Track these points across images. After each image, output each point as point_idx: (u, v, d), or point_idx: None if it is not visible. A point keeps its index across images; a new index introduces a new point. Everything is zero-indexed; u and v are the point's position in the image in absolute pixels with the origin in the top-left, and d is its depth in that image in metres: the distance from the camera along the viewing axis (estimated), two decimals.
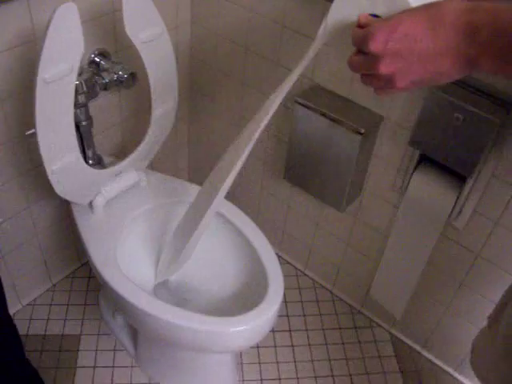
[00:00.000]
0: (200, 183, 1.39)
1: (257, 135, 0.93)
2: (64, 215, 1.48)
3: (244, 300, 1.23)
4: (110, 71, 1.22)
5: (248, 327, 1.08)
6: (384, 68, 0.59)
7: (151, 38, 1.11)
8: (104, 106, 1.37)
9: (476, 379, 1.45)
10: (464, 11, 0.55)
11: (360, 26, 0.63)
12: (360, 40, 0.61)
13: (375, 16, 0.63)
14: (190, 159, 1.83)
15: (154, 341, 1.36)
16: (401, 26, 0.57)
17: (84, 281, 1.61)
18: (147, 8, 1.09)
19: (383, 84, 0.62)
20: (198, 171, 1.84)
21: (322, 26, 0.71)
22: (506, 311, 0.83)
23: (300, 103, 1.29)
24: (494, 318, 0.87)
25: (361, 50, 0.61)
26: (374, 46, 0.58)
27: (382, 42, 0.58)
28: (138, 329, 1.32)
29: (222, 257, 1.30)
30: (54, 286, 1.59)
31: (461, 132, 1.07)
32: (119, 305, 1.17)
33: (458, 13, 0.55)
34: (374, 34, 0.58)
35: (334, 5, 0.67)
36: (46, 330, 1.49)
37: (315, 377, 1.47)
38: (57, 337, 1.48)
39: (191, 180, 1.85)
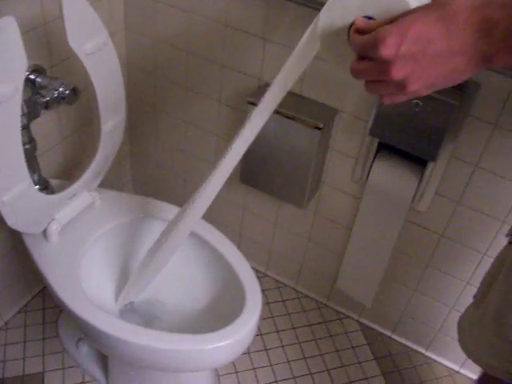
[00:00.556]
0: (146, 196, 1.33)
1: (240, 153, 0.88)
2: (10, 246, 1.37)
3: (219, 314, 1.19)
4: (49, 88, 1.13)
5: (231, 341, 1.04)
6: (396, 73, 0.56)
7: (96, 49, 1.04)
8: (42, 125, 1.28)
9: (447, 355, 1.51)
10: (477, 7, 0.53)
11: (359, 31, 0.59)
12: (367, 46, 0.57)
13: (369, 18, 0.60)
14: (134, 172, 1.75)
15: (127, 366, 1.29)
16: (412, 27, 0.54)
17: (39, 313, 1.50)
18: (89, 17, 1.01)
19: (393, 89, 0.58)
20: (143, 184, 1.77)
21: (308, 35, 0.66)
22: (494, 287, 0.84)
23: (252, 103, 1.26)
24: (481, 297, 0.89)
25: (367, 55, 0.58)
26: (386, 51, 0.55)
27: (394, 46, 0.54)
28: (108, 355, 1.25)
29: (191, 270, 1.25)
30: (6, 323, 1.47)
31: (421, 117, 1.09)
32: (85, 332, 1.11)
33: (472, 9, 0.53)
34: (385, 38, 0.55)
35: (323, 11, 0.62)
36: (3, 374, 1.37)
37: (294, 377, 1.46)
38: (17, 378, 1.37)
39: (136, 193, 1.78)
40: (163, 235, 1.09)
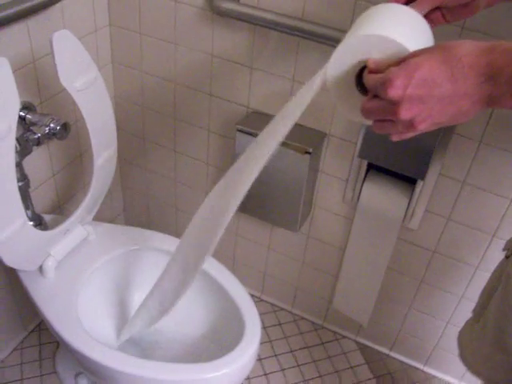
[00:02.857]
0: (138, 226, 1.33)
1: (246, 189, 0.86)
2: (4, 283, 1.36)
3: (219, 341, 1.19)
4: (40, 124, 1.14)
5: (230, 370, 1.03)
6: (404, 113, 0.58)
7: (86, 85, 1.05)
8: (33, 161, 1.28)
9: (446, 370, 1.51)
10: (482, 52, 0.56)
11: (371, 71, 0.62)
12: (377, 86, 0.60)
13: None
14: (125, 203, 1.76)
15: None
16: (418, 70, 0.57)
17: (35, 350, 1.49)
18: (79, 54, 1.03)
19: (401, 129, 0.61)
20: (135, 214, 1.77)
21: (320, 76, 0.68)
22: (493, 302, 0.86)
23: (241, 130, 1.28)
24: (480, 311, 0.90)
25: (377, 95, 0.60)
26: (393, 93, 0.57)
27: (400, 87, 0.57)
28: None
29: (189, 298, 1.24)
30: (3, 361, 1.45)
31: (408, 138, 1.11)
32: (85, 365, 1.10)
33: (476, 54, 0.56)
34: (392, 80, 0.57)
35: (334, 54, 0.65)
36: None
37: None
38: None
39: (129, 224, 1.78)
40: (172, 273, 1.06)
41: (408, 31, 0.64)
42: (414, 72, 0.57)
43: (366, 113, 0.63)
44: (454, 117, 0.59)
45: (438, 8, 0.73)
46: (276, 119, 0.77)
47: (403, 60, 0.59)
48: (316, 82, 0.68)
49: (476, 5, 0.74)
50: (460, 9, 0.74)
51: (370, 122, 0.66)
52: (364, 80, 0.63)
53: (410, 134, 0.62)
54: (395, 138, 0.64)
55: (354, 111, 0.67)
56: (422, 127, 0.60)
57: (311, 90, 0.70)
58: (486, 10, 0.78)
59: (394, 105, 0.58)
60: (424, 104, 0.58)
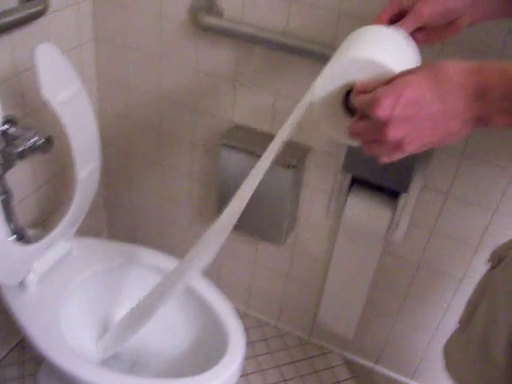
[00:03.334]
0: (121, 241, 1.33)
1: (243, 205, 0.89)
2: None
3: (203, 356, 1.18)
4: (23, 138, 1.14)
5: None
6: (392, 133, 0.57)
7: (69, 99, 1.05)
8: (15, 174, 1.27)
9: (432, 383, 1.51)
10: (471, 72, 0.55)
11: (359, 92, 0.61)
12: (364, 106, 0.59)
13: None
14: (109, 217, 1.74)
15: None
16: (406, 90, 0.56)
17: (17, 367, 1.46)
18: (62, 67, 1.03)
19: (390, 150, 0.60)
20: (118, 229, 1.76)
21: (307, 96, 0.69)
22: (479, 313, 0.86)
23: (225, 145, 1.28)
24: (466, 321, 0.90)
25: (365, 116, 0.60)
26: (381, 112, 0.56)
27: (388, 107, 0.56)
28: None
29: (172, 313, 1.24)
30: None
31: None
32: (67, 381, 1.08)
33: (465, 74, 0.55)
34: (380, 99, 0.57)
35: (320, 78, 0.65)
36: None
37: None
38: None
39: (112, 239, 1.77)
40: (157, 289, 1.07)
41: (395, 53, 0.65)
42: (402, 91, 0.57)
43: (353, 134, 0.63)
44: (443, 137, 0.59)
45: (421, 28, 0.74)
46: (271, 145, 0.79)
47: (391, 80, 0.59)
48: (302, 105, 0.69)
49: (459, 24, 0.75)
50: (443, 28, 0.75)
51: (355, 144, 0.65)
52: (352, 100, 0.63)
53: (399, 156, 0.61)
54: (384, 160, 0.63)
55: (340, 133, 0.67)
56: (411, 148, 0.59)
57: (299, 113, 0.70)
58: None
59: (382, 125, 0.58)
60: (412, 124, 0.57)
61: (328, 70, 0.65)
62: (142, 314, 1.09)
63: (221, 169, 1.32)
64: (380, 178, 1.18)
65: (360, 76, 0.62)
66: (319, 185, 1.32)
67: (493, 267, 0.87)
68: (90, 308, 1.22)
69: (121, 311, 1.25)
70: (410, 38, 0.70)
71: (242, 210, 0.91)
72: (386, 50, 0.64)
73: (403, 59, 0.64)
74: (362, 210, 1.26)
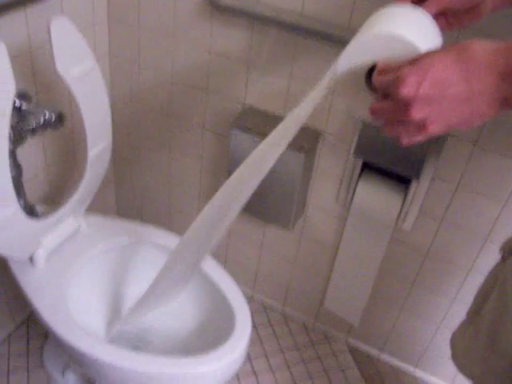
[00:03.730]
0: (130, 219, 1.33)
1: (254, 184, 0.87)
2: None
3: (209, 337, 1.18)
4: (36, 114, 1.14)
5: (221, 364, 1.03)
6: (416, 113, 0.56)
7: (83, 74, 1.05)
8: (26, 151, 1.28)
9: (436, 372, 1.51)
10: (498, 52, 0.55)
11: (381, 71, 0.60)
12: (388, 85, 0.58)
13: None
14: (118, 196, 1.75)
15: None
16: (432, 69, 0.56)
17: (23, 342, 1.47)
18: (76, 42, 1.02)
19: (412, 131, 0.59)
20: (127, 207, 1.76)
21: (329, 74, 0.67)
22: (488, 304, 0.85)
23: (236, 127, 1.28)
24: (475, 313, 0.90)
25: (388, 95, 0.59)
26: (406, 91, 0.56)
27: (413, 86, 0.56)
28: (96, 381, 1.23)
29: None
30: None
31: None
32: (74, 357, 1.09)
33: (493, 53, 0.55)
34: (405, 78, 0.56)
35: (344, 52, 0.64)
36: None
37: None
38: None
39: (121, 217, 1.77)
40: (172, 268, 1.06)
41: (421, 33, 0.63)
42: (427, 71, 0.56)
43: (375, 114, 0.62)
44: (468, 118, 0.58)
45: (441, 13, 0.73)
46: (286, 120, 0.76)
47: (416, 60, 0.58)
48: (325, 82, 0.68)
49: (480, 10, 0.73)
50: (465, 13, 0.74)
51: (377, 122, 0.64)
52: (373, 80, 0.62)
53: (421, 138, 0.60)
54: (404, 142, 0.62)
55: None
56: (434, 129, 0.58)
57: (321, 90, 0.69)
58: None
59: (406, 104, 0.57)
60: (437, 104, 0.56)
61: (352, 45, 0.64)
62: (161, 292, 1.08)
63: (231, 152, 1.31)
64: (391, 164, 1.17)
65: (384, 53, 0.61)
66: (330, 170, 1.32)
67: (503, 259, 0.86)
68: (97, 285, 1.23)
69: (128, 289, 1.27)
70: (434, 21, 0.69)
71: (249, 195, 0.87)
72: (414, 28, 0.63)
73: (429, 39, 0.63)
74: (372, 196, 1.25)
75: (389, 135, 0.62)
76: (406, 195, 1.23)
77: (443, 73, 0.56)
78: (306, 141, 1.23)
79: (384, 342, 1.54)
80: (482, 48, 0.56)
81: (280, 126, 0.78)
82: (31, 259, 1.14)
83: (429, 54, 0.58)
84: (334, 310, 1.50)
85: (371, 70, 0.64)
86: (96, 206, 1.64)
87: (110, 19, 1.36)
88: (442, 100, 0.56)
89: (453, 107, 0.57)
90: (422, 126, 0.58)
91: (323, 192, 1.36)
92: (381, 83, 0.60)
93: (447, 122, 0.58)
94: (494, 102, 0.56)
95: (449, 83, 0.56)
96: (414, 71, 0.56)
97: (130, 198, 1.73)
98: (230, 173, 1.34)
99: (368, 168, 1.26)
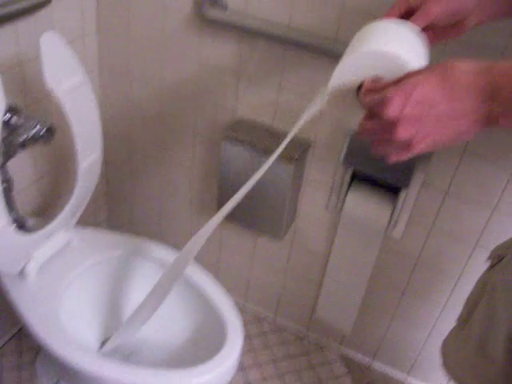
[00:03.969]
0: (121, 232, 1.33)
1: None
2: None
3: (201, 348, 1.18)
4: (25, 127, 1.14)
5: (212, 376, 1.03)
6: (402, 133, 0.58)
7: (73, 88, 1.05)
8: (17, 164, 1.27)
9: (428, 379, 1.52)
10: (481, 72, 0.56)
11: (368, 90, 0.62)
12: (374, 106, 0.59)
13: None
14: (109, 209, 1.75)
15: None
16: (416, 90, 0.57)
17: (15, 356, 1.47)
18: (66, 56, 1.03)
19: (399, 149, 0.60)
20: (119, 221, 1.76)
21: (322, 92, 0.69)
22: (478, 310, 0.86)
23: (227, 137, 1.28)
24: (465, 319, 0.91)
25: (375, 115, 0.60)
26: (391, 112, 0.57)
27: (398, 107, 0.57)
28: None
29: (171, 304, 1.24)
30: None
31: None
32: (65, 371, 1.08)
33: (475, 74, 0.56)
34: (391, 99, 0.57)
35: (337, 69, 0.65)
36: None
37: None
38: None
39: (113, 229, 1.77)
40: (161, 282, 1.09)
41: (412, 49, 0.65)
42: (411, 91, 0.57)
43: (362, 133, 0.63)
44: (453, 137, 0.59)
45: (427, 28, 0.74)
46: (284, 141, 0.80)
47: (400, 80, 0.59)
48: (318, 101, 0.69)
49: (465, 24, 0.75)
50: (450, 28, 0.76)
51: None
52: (360, 100, 0.63)
53: (408, 155, 0.61)
54: (392, 159, 0.63)
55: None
56: (420, 147, 0.59)
57: (315, 107, 0.70)
58: None
59: (392, 124, 0.58)
60: (422, 124, 0.57)
61: (343, 62, 0.65)
62: (146, 309, 1.09)
63: (222, 162, 1.32)
64: (381, 173, 1.19)
65: (375, 70, 0.62)
66: (320, 179, 1.33)
67: (492, 266, 0.87)
68: (89, 298, 1.23)
69: (120, 302, 1.26)
70: (422, 34, 0.70)
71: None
72: (405, 44, 0.64)
73: (417, 54, 0.65)
74: (362, 205, 1.26)
75: (377, 153, 0.63)
76: (395, 203, 1.24)
77: (427, 93, 0.57)
78: (296, 151, 1.24)
79: (376, 350, 1.55)
80: (464, 68, 0.57)
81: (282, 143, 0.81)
82: (22, 272, 1.14)
83: (413, 74, 0.59)
84: (325, 319, 1.50)
85: (361, 86, 0.65)
86: (87, 219, 1.64)
87: (100, 31, 1.37)
88: (427, 120, 0.57)
89: (437, 126, 0.58)
90: (408, 145, 0.59)
91: (313, 201, 1.37)
92: (367, 103, 0.62)
93: (433, 140, 0.59)
94: (477, 120, 0.57)
95: (433, 103, 0.57)
96: (399, 92, 0.57)
97: (122, 209, 1.73)
98: (220, 182, 1.35)
99: (358, 177, 1.27)
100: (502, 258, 0.84)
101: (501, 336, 0.81)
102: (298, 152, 1.24)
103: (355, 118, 0.65)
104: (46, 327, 1.07)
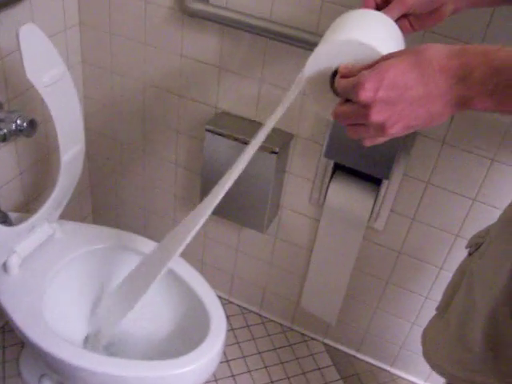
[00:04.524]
0: (106, 225, 1.33)
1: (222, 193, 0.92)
2: None
3: (184, 340, 1.19)
4: (7, 121, 1.14)
5: (195, 367, 1.04)
6: (375, 116, 0.59)
7: (54, 80, 1.05)
8: None
9: (411, 370, 1.53)
10: (453, 55, 0.56)
11: (343, 76, 0.63)
12: (348, 89, 0.60)
13: None
14: (94, 203, 1.74)
15: None
16: (388, 73, 0.57)
17: None
18: (46, 49, 1.03)
19: (373, 132, 0.61)
20: (104, 215, 1.76)
21: (298, 78, 0.70)
22: (457, 297, 0.87)
23: (210, 131, 1.29)
24: (444, 308, 0.92)
25: (349, 99, 0.61)
26: (364, 95, 0.58)
27: (371, 90, 0.58)
28: None
29: (154, 297, 1.24)
30: None
31: None
32: (50, 364, 1.09)
33: (447, 57, 0.56)
34: (363, 83, 0.58)
35: (310, 58, 0.66)
36: None
37: None
38: None
39: (97, 223, 1.77)
40: (139, 272, 1.08)
41: (383, 36, 0.66)
42: (384, 75, 0.58)
43: (338, 117, 0.64)
44: (426, 120, 0.60)
45: (405, 16, 0.75)
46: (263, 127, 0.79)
47: (374, 64, 0.60)
48: (294, 88, 0.70)
49: (442, 12, 0.76)
50: (427, 16, 0.76)
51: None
52: (335, 84, 0.64)
53: (383, 139, 0.63)
54: (368, 143, 0.64)
55: (329, 112, 0.68)
56: (394, 131, 0.60)
57: (291, 95, 0.71)
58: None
59: (365, 108, 0.59)
60: (395, 107, 0.58)
61: (318, 50, 0.66)
62: (127, 297, 1.09)
63: (205, 155, 1.33)
64: (362, 165, 1.20)
65: (347, 58, 0.63)
66: (302, 172, 1.33)
67: (470, 254, 0.88)
68: (73, 291, 1.23)
69: (104, 295, 1.26)
70: (398, 23, 0.71)
71: (221, 196, 0.92)
72: (374, 32, 0.65)
73: (390, 42, 0.66)
74: (344, 196, 1.27)
75: (352, 137, 0.64)
76: (377, 195, 1.26)
77: (400, 77, 0.58)
78: (278, 143, 1.25)
79: (360, 341, 1.56)
80: (436, 51, 0.58)
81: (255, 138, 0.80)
82: (4, 266, 1.14)
83: (385, 58, 0.60)
84: (310, 310, 1.51)
85: (335, 74, 0.66)
86: (72, 215, 1.63)
87: (82, 25, 1.36)
88: (400, 103, 0.58)
89: (411, 110, 0.58)
90: (382, 128, 0.60)
91: (296, 193, 1.38)
92: (342, 88, 0.62)
93: (406, 123, 0.60)
94: (450, 103, 0.58)
95: (406, 87, 0.57)
96: (372, 76, 0.58)
97: (106, 203, 1.72)
98: (203, 176, 1.36)
99: (340, 169, 1.28)
100: (480, 246, 0.86)
101: (479, 322, 0.82)
102: (280, 144, 1.25)
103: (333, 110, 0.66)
104: (29, 321, 1.07)
